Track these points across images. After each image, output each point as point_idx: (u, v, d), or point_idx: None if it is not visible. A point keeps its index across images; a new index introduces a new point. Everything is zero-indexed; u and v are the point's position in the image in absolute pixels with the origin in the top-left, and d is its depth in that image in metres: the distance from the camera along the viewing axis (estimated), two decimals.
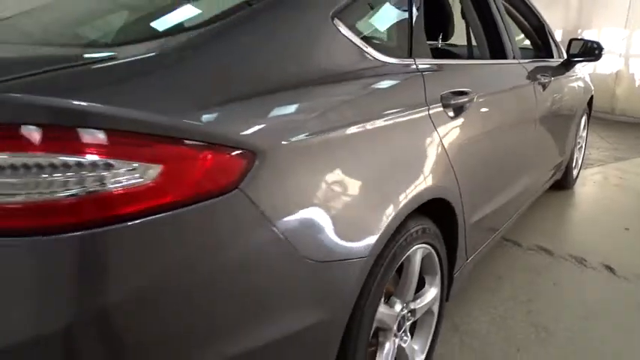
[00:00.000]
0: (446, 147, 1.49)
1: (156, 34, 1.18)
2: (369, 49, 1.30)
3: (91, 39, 1.38)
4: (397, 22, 1.58)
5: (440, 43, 2.26)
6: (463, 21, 2.24)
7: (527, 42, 3.01)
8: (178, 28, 1.22)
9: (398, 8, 1.56)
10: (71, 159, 0.75)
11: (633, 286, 2.38)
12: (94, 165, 0.76)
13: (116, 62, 0.90)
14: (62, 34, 1.38)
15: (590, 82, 3.72)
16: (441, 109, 1.50)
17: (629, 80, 6.77)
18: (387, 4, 1.53)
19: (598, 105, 7.07)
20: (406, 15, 1.55)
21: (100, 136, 0.76)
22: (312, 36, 1.16)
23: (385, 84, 1.33)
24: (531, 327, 2.01)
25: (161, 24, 1.31)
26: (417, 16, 1.58)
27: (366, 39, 1.32)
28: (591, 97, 3.74)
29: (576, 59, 3.03)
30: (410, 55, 1.49)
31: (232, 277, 0.89)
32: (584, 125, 3.84)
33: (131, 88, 0.83)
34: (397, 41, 1.55)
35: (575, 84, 3.23)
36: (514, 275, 2.43)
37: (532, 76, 2.39)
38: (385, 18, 1.55)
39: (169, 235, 0.81)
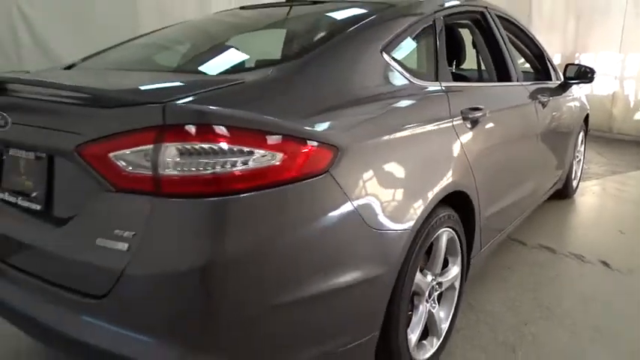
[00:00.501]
0: (465, 151, 1.88)
1: (259, 65, 1.60)
2: (407, 75, 1.71)
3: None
4: (426, 53, 1.99)
5: (454, 69, 2.67)
6: (474, 50, 2.65)
7: (529, 66, 3.42)
8: (278, 60, 1.61)
9: (426, 42, 1.97)
10: (232, 147, 1.14)
11: (625, 277, 2.73)
12: (241, 152, 1.15)
13: (247, 85, 1.30)
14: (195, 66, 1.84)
15: (586, 102, 4.11)
16: (461, 121, 1.90)
17: (624, 101, 7.19)
18: (418, 40, 1.95)
19: (596, 124, 7.48)
20: (432, 47, 1.96)
21: (248, 134, 1.16)
22: (369, 65, 1.56)
23: (421, 101, 1.73)
24: (537, 307, 2.36)
25: (265, 56, 1.74)
26: (440, 48, 1.99)
27: (404, 67, 1.73)
28: (587, 116, 4.13)
29: (572, 81, 3.44)
30: (437, 79, 1.90)
31: (318, 234, 1.27)
32: (582, 141, 4.22)
33: (263, 103, 1.23)
34: (427, 68, 1.96)
35: (571, 103, 3.63)
36: (521, 268, 2.79)
37: (533, 95, 2.79)
38: (417, 50, 1.96)
39: (285, 199, 1.20)
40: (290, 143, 1.21)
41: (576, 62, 7.30)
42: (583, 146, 4.32)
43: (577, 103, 3.79)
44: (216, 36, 2.20)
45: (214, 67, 1.84)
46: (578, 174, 4.32)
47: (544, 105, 2.90)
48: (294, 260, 1.23)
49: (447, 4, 2.12)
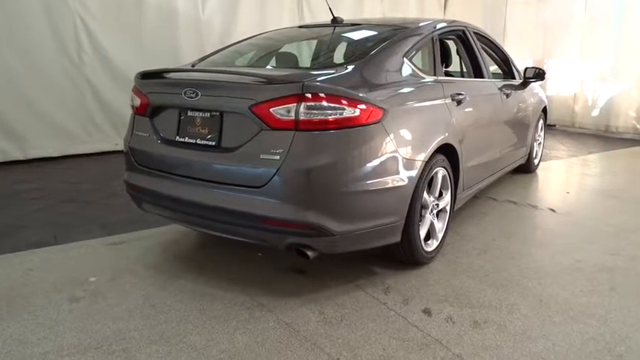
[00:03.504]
0: (453, 120, 2.98)
1: (340, 63, 2.68)
2: (417, 71, 2.80)
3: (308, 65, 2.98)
4: (428, 58, 3.10)
5: (445, 68, 3.79)
6: (457, 56, 3.77)
7: (497, 68, 4.55)
8: (350, 59, 2.67)
9: (427, 51, 3.08)
10: (334, 106, 2.22)
11: (564, 217, 3.86)
12: (337, 109, 2.23)
13: (338, 73, 2.39)
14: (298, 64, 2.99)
15: (544, 97, 5.27)
16: (450, 100, 3.00)
17: (584, 99, 8.45)
18: (423, 50, 3.05)
19: (560, 120, 8.72)
20: (432, 54, 3.07)
21: (342, 99, 2.24)
22: (397, 64, 2.66)
23: (426, 87, 2.83)
24: (501, 232, 3.47)
25: (339, 59, 2.83)
26: (436, 55, 3.09)
27: (415, 66, 2.82)
28: (545, 108, 5.28)
29: (530, 80, 4.58)
30: (434, 74, 3.01)
31: (374, 156, 2.33)
32: (542, 127, 5.37)
33: (348, 82, 2.32)
34: (428, 67, 3.06)
35: (531, 97, 4.77)
36: (492, 213, 3.90)
37: (500, 89, 3.92)
38: (422, 56, 3.07)
39: (358, 135, 2.28)
40: (363, 105, 2.28)
41: (545, 67, 8.58)
42: (543, 132, 5.47)
43: (536, 97, 4.94)
44: (293, 44, 3.30)
45: (312, 63, 3.00)
46: (539, 154, 5.46)
47: (507, 95, 4.03)
48: (361, 167, 2.30)
49: (439, 26, 3.25)
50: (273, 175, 2.21)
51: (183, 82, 2.51)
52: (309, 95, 2.19)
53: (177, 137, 2.56)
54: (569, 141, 7.57)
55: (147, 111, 2.70)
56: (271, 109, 2.24)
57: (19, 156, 5.41)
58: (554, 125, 8.74)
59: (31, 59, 5.35)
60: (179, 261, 2.90)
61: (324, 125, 2.20)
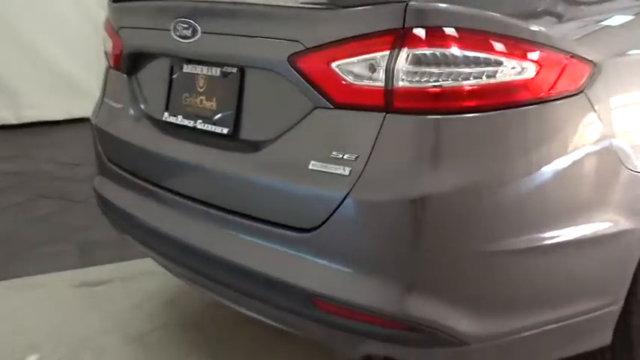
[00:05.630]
0: None
1: None
2: None
3: None
4: None
5: None
6: None
7: None
8: None
9: None
10: (483, 56, 0.98)
11: None
12: (490, 62, 0.98)
13: None
14: None
15: None
16: None
17: None
18: None
19: None
20: None
21: (501, 40, 0.99)
22: None
23: None
24: None
25: None
26: None
27: None
28: None
29: None
30: None
31: (563, 170, 1.04)
32: None
33: (504, 9, 1.07)
34: None
35: None
36: None
37: None
38: None
39: (530, 122, 1.02)
40: (542, 53, 1.01)
41: None
42: None
43: None
44: None
45: None
46: None
47: None
48: (537, 195, 1.04)
49: None
50: (338, 207, 1.02)
51: (172, 9, 1.35)
52: (421, 32, 0.97)
53: (166, 115, 1.42)
54: None
55: (122, 62, 1.57)
56: (335, 64, 1.04)
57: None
58: None
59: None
60: (187, 330, 1.77)
61: (453, 100, 0.99)
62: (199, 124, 1.32)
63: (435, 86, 0.97)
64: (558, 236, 1.03)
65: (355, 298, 1.03)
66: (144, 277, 1.99)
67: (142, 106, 1.51)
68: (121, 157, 1.54)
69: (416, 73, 0.98)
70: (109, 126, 1.58)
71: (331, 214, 1.03)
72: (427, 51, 0.97)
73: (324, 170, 1.05)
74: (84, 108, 4.06)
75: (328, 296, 1.05)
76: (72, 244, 2.38)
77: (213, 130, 1.29)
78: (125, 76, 1.56)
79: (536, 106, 1.01)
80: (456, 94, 0.98)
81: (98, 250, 2.28)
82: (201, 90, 1.33)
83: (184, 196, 1.31)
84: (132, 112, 1.52)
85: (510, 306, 1.06)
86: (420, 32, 0.97)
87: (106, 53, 1.66)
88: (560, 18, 1.12)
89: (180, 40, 1.29)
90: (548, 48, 1.03)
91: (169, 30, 1.31)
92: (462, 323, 1.00)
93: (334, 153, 1.04)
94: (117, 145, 1.54)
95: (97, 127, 1.62)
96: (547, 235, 1.03)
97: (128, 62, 1.54)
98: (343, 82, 1.03)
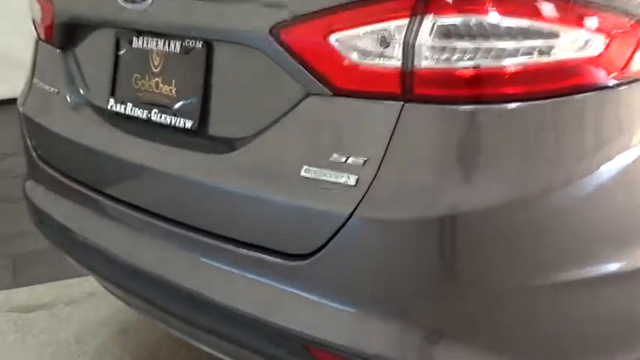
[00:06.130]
0: None
1: None
2: None
3: None
4: None
5: None
6: None
7: None
8: None
9: None
10: (535, 26, 0.73)
11: None
12: (543, 34, 0.74)
13: None
14: None
15: None
16: None
17: None
18: None
19: None
20: None
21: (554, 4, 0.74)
22: None
23: None
24: None
25: None
26: None
27: None
28: None
29: None
30: None
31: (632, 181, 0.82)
32: None
33: None
34: None
35: None
36: None
37: None
38: None
39: (598, 113, 0.79)
40: (617, 21, 0.78)
41: None
42: None
43: None
44: None
45: None
46: None
47: None
48: (601, 213, 0.80)
49: None
50: (341, 228, 0.77)
51: None
52: None
53: (112, 102, 1.13)
54: None
55: (54, 33, 1.26)
56: (334, 37, 0.79)
57: None
58: None
59: None
60: None
61: (492, 85, 0.74)
62: (155, 115, 1.05)
63: (468, 67, 0.73)
64: (634, 260, 0.81)
65: (363, 346, 0.79)
66: (92, 300, 1.65)
67: (82, 91, 1.22)
68: (57, 156, 1.24)
69: (444, 49, 0.73)
70: (41, 116, 1.28)
71: (331, 237, 0.79)
72: (459, 19, 0.73)
73: (321, 178, 0.80)
74: (14, 86, 3.34)
75: (328, 343, 0.81)
76: (3, 257, 2.01)
77: (172, 122, 1.02)
78: (59, 51, 1.26)
79: (603, 92, 0.78)
80: (497, 77, 0.74)
81: (37, 264, 1.91)
82: (156, 71, 1.06)
83: (136, 207, 1.04)
84: (69, 98, 1.22)
85: (554, 354, 0.83)
86: None
87: (33, 21, 1.34)
88: None
89: (128, 4, 1.01)
90: (619, 14, 0.79)
91: None
92: None
93: (335, 155, 0.79)
94: (51, 140, 1.25)
95: (25, 116, 1.32)
96: (616, 261, 0.80)
97: (62, 34, 1.24)
98: (346, 61, 0.78)
